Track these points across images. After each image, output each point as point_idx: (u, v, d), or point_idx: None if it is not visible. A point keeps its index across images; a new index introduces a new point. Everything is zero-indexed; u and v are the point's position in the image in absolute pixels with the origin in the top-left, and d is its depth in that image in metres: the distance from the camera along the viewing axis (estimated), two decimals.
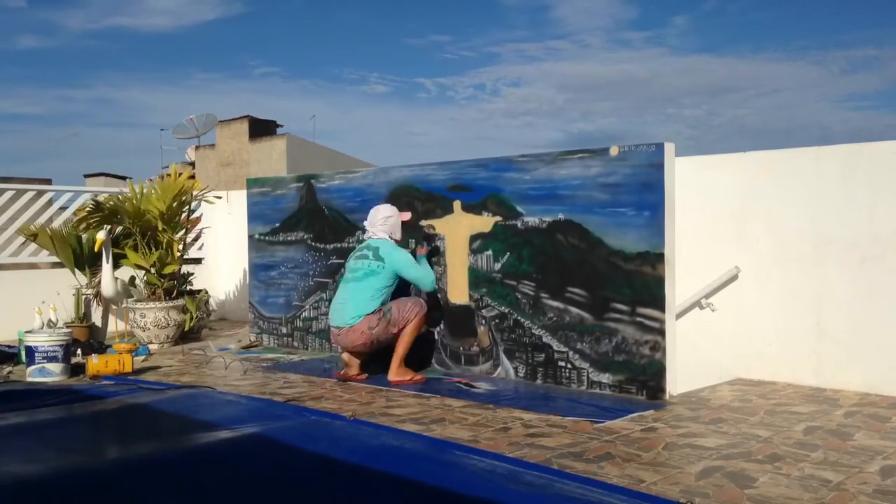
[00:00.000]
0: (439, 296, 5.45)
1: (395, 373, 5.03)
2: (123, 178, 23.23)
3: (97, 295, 6.93)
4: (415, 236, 5.54)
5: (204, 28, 49.70)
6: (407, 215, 5.42)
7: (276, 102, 49.27)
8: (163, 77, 51.27)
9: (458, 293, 5.39)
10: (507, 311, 5.12)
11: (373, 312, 4.99)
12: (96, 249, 6.50)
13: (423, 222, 5.51)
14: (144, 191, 6.98)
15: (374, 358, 5.22)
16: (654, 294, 4.43)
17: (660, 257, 4.40)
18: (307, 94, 48.85)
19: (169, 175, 7.05)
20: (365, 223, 5.37)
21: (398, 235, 5.31)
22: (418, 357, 5.32)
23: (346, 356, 5.16)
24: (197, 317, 7.06)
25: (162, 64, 51.97)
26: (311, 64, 54.02)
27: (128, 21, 48.37)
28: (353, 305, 5.02)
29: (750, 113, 50.06)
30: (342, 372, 5.18)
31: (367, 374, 5.17)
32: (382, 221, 5.26)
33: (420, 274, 5.12)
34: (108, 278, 6.56)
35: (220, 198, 8.68)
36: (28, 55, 47.25)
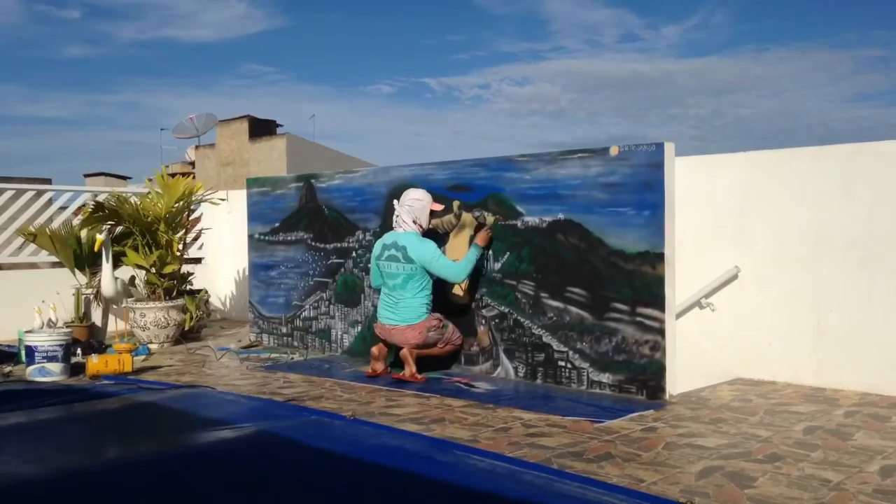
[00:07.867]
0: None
1: (410, 355, 5.07)
2: (124, 178, 23.25)
3: (97, 295, 6.93)
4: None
5: (245, 39, 50.17)
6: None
7: (293, 105, 49.75)
8: (193, 83, 51.61)
9: (458, 293, 5.39)
10: (507, 310, 5.12)
11: (432, 317, 5.18)
12: (96, 249, 6.50)
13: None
14: (148, 196, 6.99)
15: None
16: (654, 294, 4.43)
17: (660, 257, 4.40)
18: (321, 97, 49.29)
19: (168, 175, 7.04)
20: (395, 202, 5.36)
21: (425, 223, 5.30)
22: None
23: (376, 349, 5.28)
24: (197, 316, 7.06)
25: (196, 70, 52.36)
26: (327, 68, 54.35)
27: (175, 32, 48.89)
28: (411, 309, 5.15)
29: (754, 113, 50.13)
30: (370, 369, 5.27)
31: (389, 369, 5.32)
32: (411, 203, 5.27)
33: (444, 265, 5.11)
34: (108, 278, 6.56)
35: (224, 199, 8.69)
36: (70, 63, 47.81)
